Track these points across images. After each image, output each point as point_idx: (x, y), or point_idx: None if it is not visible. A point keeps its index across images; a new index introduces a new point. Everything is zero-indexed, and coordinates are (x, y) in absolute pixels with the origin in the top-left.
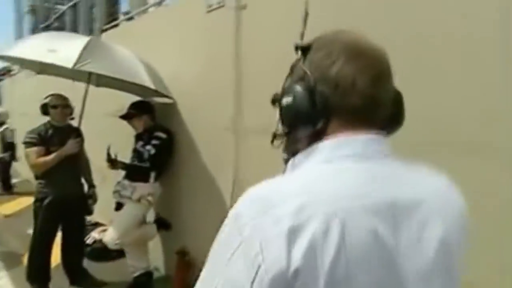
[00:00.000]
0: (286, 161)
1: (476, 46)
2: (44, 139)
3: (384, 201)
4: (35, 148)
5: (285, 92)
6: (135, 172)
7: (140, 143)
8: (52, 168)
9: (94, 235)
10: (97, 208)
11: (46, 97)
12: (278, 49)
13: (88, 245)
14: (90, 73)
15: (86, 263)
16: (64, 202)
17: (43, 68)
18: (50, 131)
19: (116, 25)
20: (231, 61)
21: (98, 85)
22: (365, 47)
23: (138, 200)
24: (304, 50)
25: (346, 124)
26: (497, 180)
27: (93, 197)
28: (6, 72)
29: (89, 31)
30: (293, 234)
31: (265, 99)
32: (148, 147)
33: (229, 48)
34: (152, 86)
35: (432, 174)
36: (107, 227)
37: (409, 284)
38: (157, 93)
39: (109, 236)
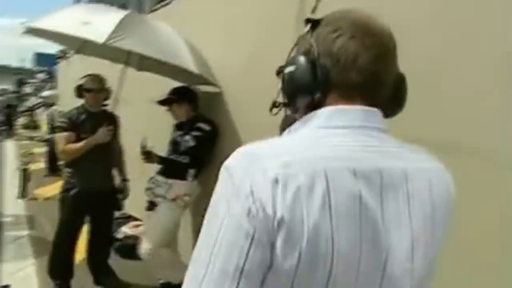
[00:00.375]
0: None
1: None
2: (75, 124)
3: (372, 169)
4: (64, 134)
5: (289, 62)
6: (171, 167)
7: (179, 132)
8: (81, 156)
9: (125, 230)
10: (132, 201)
11: (83, 77)
12: None
13: (118, 239)
14: (128, 54)
15: (113, 259)
16: (92, 195)
17: (81, 47)
18: (82, 116)
19: (167, 4)
20: (291, 45)
21: (140, 69)
22: (373, 26)
23: (174, 200)
24: (314, 24)
25: (345, 97)
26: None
27: (124, 191)
28: (63, 55)
29: (139, 11)
30: (278, 184)
31: None
32: (187, 137)
33: (289, 30)
34: (196, 70)
35: (423, 153)
36: (141, 223)
37: (389, 255)
38: (201, 79)
39: (144, 247)
